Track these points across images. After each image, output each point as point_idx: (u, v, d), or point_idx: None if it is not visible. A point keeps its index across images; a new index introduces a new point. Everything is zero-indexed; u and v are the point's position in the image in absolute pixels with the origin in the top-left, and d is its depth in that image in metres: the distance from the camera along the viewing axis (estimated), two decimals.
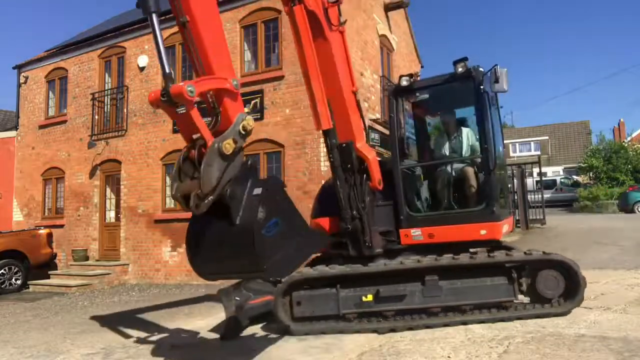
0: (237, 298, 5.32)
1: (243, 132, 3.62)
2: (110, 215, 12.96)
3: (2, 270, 11.34)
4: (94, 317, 7.45)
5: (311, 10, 5.04)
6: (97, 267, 11.99)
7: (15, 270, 11.55)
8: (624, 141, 35.36)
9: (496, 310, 5.11)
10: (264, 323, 5.71)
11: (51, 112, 14.47)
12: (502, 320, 5.04)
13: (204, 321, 6.46)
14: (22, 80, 15.00)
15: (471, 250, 5.50)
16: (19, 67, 15.11)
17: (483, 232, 5.38)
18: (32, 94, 14.77)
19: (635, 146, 33.32)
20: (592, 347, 4.04)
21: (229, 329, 5.25)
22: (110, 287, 11.14)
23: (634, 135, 38.16)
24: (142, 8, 3.45)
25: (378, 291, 5.11)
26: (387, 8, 13.42)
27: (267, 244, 3.45)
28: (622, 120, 41.27)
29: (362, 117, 5.73)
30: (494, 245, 5.59)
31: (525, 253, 5.20)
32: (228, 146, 3.46)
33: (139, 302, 8.76)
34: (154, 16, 3.44)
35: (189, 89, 3.27)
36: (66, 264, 12.91)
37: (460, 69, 5.50)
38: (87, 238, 12.95)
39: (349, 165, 5.36)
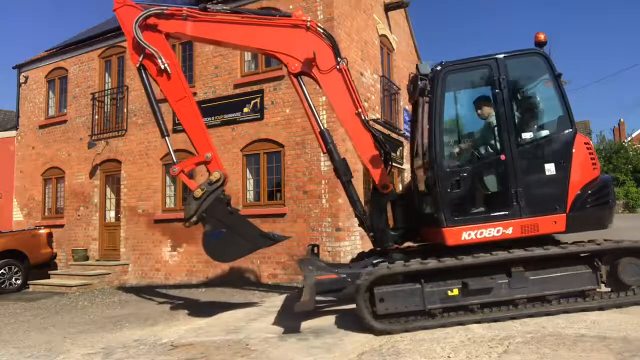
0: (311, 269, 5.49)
1: (211, 181, 6.14)
2: (110, 215, 12.98)
3: (2, 270, 11.35)
4: (94, 317, 7.47)
5: (296, 73, 6.17)
6: (97, 267, 12.00)
7: (15, 270, 11.57)
8: (624, 141, 35.38)
9: (582, 300, 5.14)
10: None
11: (51, 112, 14.49)
12: (584, 310, 5.07)
13: (204, 320, 6.47)
14: (22, 80, 15.01)
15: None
16: (19, 67, 15.13)
17: None
18: (32, 94, 14.78)
19: (635, 146, 33.35)
20: (592, 347, 4.03)
21: (307, 300, 5.15)
22: (110, 287, 11.15)
23: (634, 135, 38.18)
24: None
25: (465, 284, 5.00)
26: (387, 8, 13.42)
27: (212, 245, 6.19)
28: (622, 120, 41.35)
29: (370, 131, 6.13)
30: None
31: (615, 242, 5.21)
32: (197, 192, 6.09)
33: (139, 302, 8.76)
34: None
35: (173, 170, 6.29)
36: (66, 263, 12.93)
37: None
38: (87, 238, 12.96)
39: (348, 175, 6.24)
